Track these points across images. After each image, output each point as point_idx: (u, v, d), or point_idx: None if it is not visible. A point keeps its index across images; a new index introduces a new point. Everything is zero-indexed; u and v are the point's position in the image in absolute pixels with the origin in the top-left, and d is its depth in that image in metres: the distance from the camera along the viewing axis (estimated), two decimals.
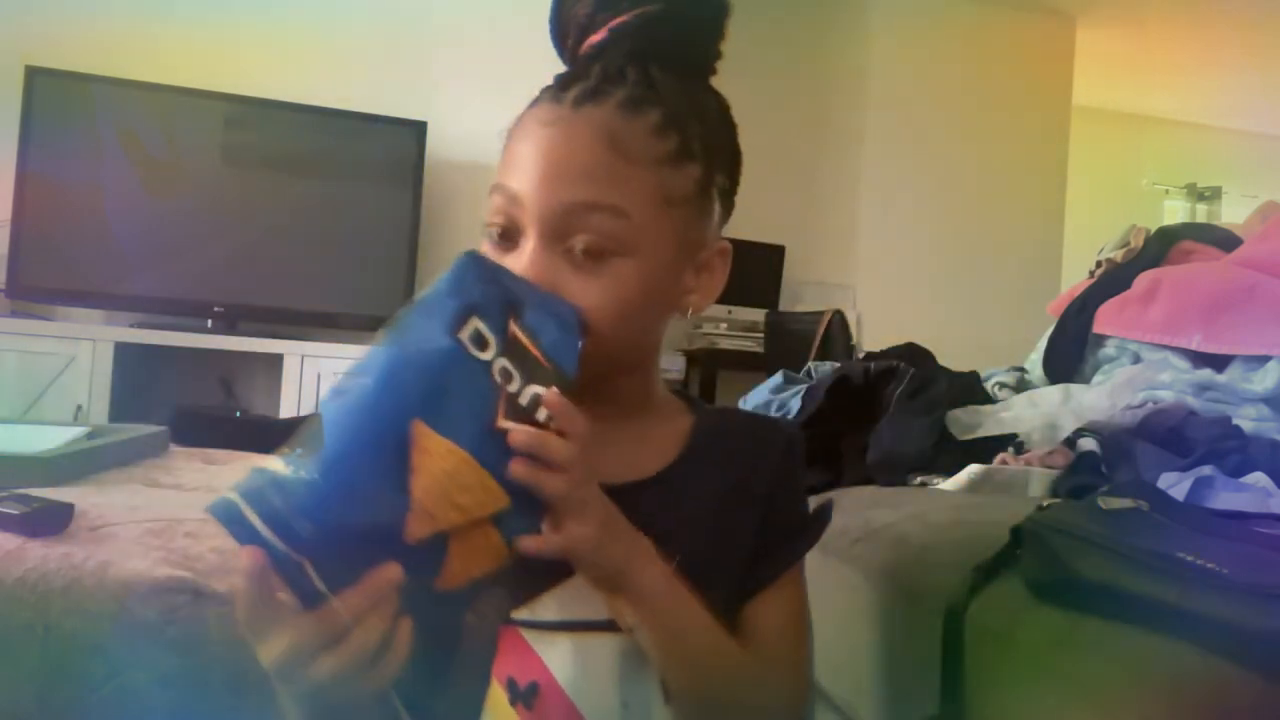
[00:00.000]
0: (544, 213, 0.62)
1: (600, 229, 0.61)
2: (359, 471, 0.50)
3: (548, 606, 0.62)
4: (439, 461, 0.51)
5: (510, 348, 0.55)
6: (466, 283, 0.56)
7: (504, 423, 0.54)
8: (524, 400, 0.55)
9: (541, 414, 0.55)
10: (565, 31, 0.67)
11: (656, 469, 0.67)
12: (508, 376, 0.55)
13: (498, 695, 0.62)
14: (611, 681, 0.62)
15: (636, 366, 0.70)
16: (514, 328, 0.56)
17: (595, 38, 0.65)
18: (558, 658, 0.61)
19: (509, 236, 0.64)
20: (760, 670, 0.66)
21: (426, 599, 0.53)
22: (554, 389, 0.56)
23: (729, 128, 0.71)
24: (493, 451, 0.53)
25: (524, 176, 0.63)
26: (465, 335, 0.54)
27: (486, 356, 0.55)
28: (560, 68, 0.69)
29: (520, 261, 0.62)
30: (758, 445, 0.71)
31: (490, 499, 0.53)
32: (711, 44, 0.70)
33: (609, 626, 0.62)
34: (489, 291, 0.56)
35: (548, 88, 0.66)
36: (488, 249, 0.65)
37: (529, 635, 0.62)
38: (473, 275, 0.57)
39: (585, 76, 0.64)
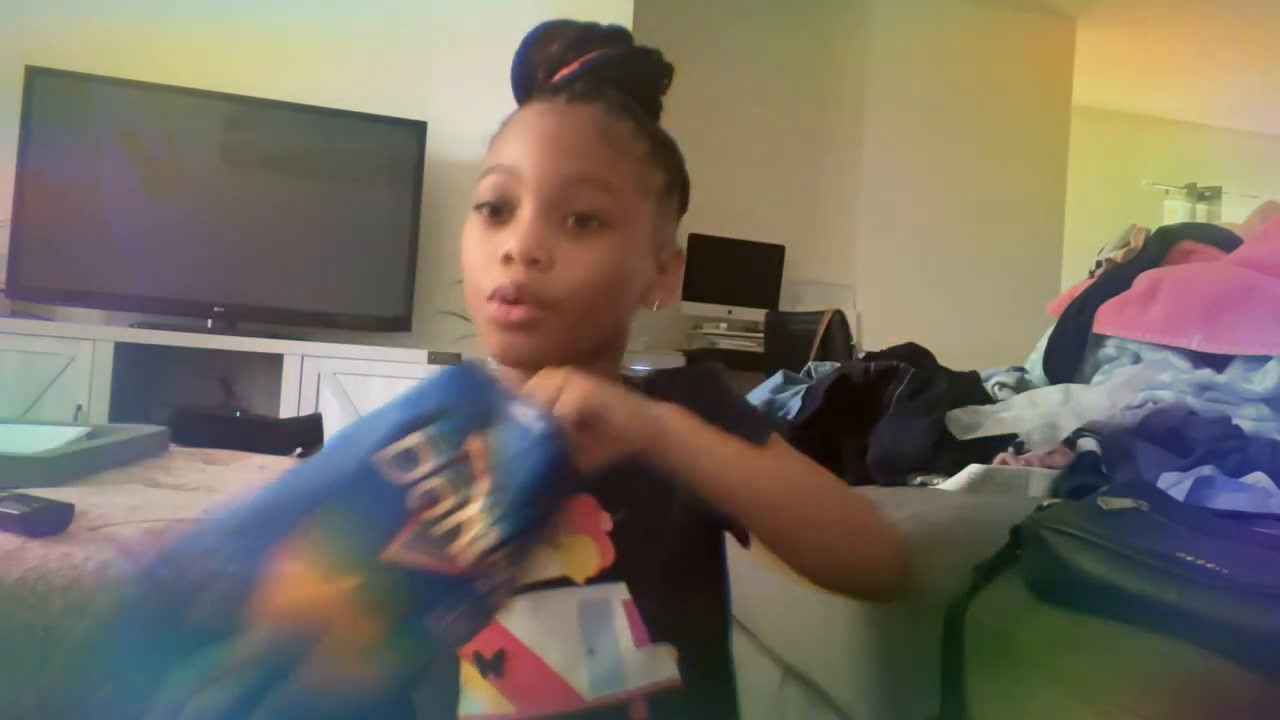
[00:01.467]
0: (543, 183, 0.68)
1: (593, 200, 0.68)
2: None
3: None
4: (289, 590, 0.50)
5: (459, 467, 0.53)
6: (429, 392, 0.56)
7: (392, 552, 0.51)
8: (443, 527, 0.52)
9: (458, 543, 0.52)
10: (533, 67, 0.75)
11: None
12: (430, 500, 0.53)
13: (470, 673, 0.64)
14: (574, 632, 0.65)
15: (606, 350, 0.75)
16: (474, 442, 0.54)
17: (568, 69, 0.73)
18: (518, 620, 0.64)
19: (501, 211, 0.69)
20: (831, 482, 0.70)
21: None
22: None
23: (681, 159, 0.78)
24: (376, 584, 0.51)
25: (523, 153, 0.69)
26: (391, 454, 0.53)
27: (405, 479, 0.53)
28: None
29: (515, 231, 0.67)
30: (690, 392, 0.73)
31: (364, 629, 0.50)
32: (658, 90, 0.78)
33: (564, 583, 0.66)
34: (456, 403, 0.55)
35: (528, 100, 0.74)
36: (477, 229, 0.71)
37: None
38: (447, 386, 0.56)
39: (568, 89, 0.72)
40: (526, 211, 0.68)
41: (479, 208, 0.70)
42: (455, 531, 0.52)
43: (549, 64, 0.74)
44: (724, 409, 0.72)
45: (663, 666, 0.66)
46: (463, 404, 0.55)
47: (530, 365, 0.66)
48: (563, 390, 0.60)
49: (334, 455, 0.54)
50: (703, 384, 0.77)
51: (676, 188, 0.77)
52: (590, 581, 0.66)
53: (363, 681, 0.52)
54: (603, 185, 0.69)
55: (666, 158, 0.75)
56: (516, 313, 0.67)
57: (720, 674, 0.73)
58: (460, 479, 0.53)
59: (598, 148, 0.69)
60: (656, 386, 0.74)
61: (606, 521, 0.68)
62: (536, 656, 0.64)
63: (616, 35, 0.75)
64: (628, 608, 0.66)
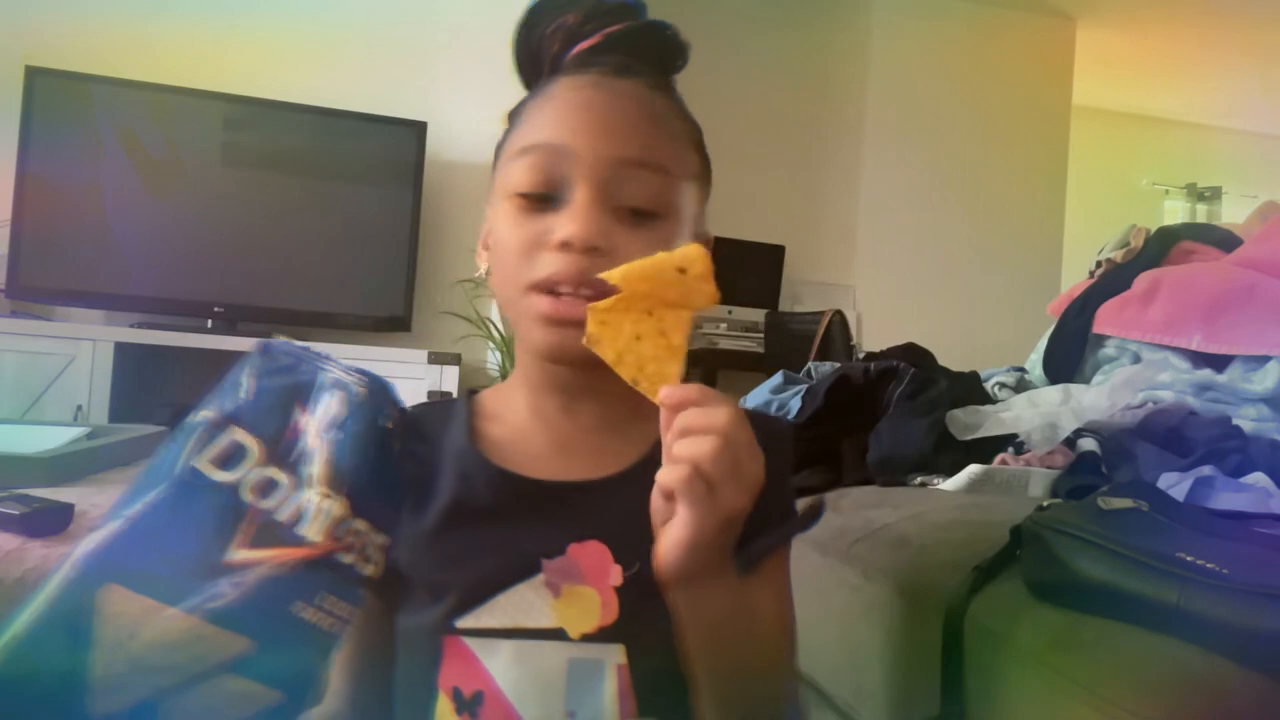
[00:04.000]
0: (599, 165, 0.61)
1: (650, 186, 0.62)
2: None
3: (493, 614, 0.61)
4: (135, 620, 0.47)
5: (288, 448, 0.51)
6: (228, 386, 0.53)
7: (238, 554, 0.49)
8: (284, 514, 0.50)
9: (307, 525, 0.50)
10: (545, 39, 0.68)
11: (631, 462, 0.65)
12: (269, 488, 0.50)
13: (444, 705, 0.60)
14: (557, 690, 0.59)
15: None
16: (299, 416, 0.52)
17: (587, 43, 0.66)
18: (501, 666, 0.59)
19: (548, 198, 0.62)
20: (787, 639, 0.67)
21: None
22: None
23: (702, 140, 0.73)
24: (227, 593, 0.48)
25: (570, 131, 0.62)
26: (214, 454, 0.50)
27: (232, 477, 0.50)
28: None
29: (572, 216, 0.61)
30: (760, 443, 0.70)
31: (213, 651, 0.48)
32: (677, 63, 0.72)
33: (556, 635, 0.60)
34: (268, 385, 0.52)
35: (549, 74, 0.67)
36: (512, 216, 0.63)
37: (474, 644, 0.60)
38: (252, 372, 0.53)
39: (598, 65, 0.65)
40: (582, 195, 0.61)
41: (521, 195, 0.63)
42: (303, 513, 0.50)
43: (566, 36, 0.67)
44: (781, 483, 0.65)
45: None
46: (275, 384, 0.53)
47: (584, 365, 0.59)
48: (727, 428, 0.52)
49: (140, 480, 0.50)
50: (777, 445, 0.63)
51: (708, 171, 0.72)
52: (586, 638, 0.60)
53: (248, 702, 0.49)
54: (660, 170, 0.63)
55: (699, 139, 0.70)
56: (578, 309, 0.58)
57: None
58: (294, 458, 0.51)
59: (649, 127, 0.64)
60: None
61: (617, 575, 0.61)
62: (511, 707, 0.59)
63: (631, 7, 0.69)
64: (621, 674, 0.60)
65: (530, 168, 0.63)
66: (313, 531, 0.50)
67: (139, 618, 0.47)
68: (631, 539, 0.58)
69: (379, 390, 0.54)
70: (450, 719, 0.60)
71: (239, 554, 0.49)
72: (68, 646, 0.46)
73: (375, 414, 0.53)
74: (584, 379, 0.64)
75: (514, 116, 0.68)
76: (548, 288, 0.61)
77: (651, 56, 0.68)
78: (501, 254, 0.65)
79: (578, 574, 0.61)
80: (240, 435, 0.51)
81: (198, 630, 0.47)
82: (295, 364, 0.54)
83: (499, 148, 0.68)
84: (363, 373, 0.54)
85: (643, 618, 0.60)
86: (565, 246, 0.60)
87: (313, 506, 0.50)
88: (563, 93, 0.65)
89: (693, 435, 0.52)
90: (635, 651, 0.60)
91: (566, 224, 0.60)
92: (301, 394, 0.53)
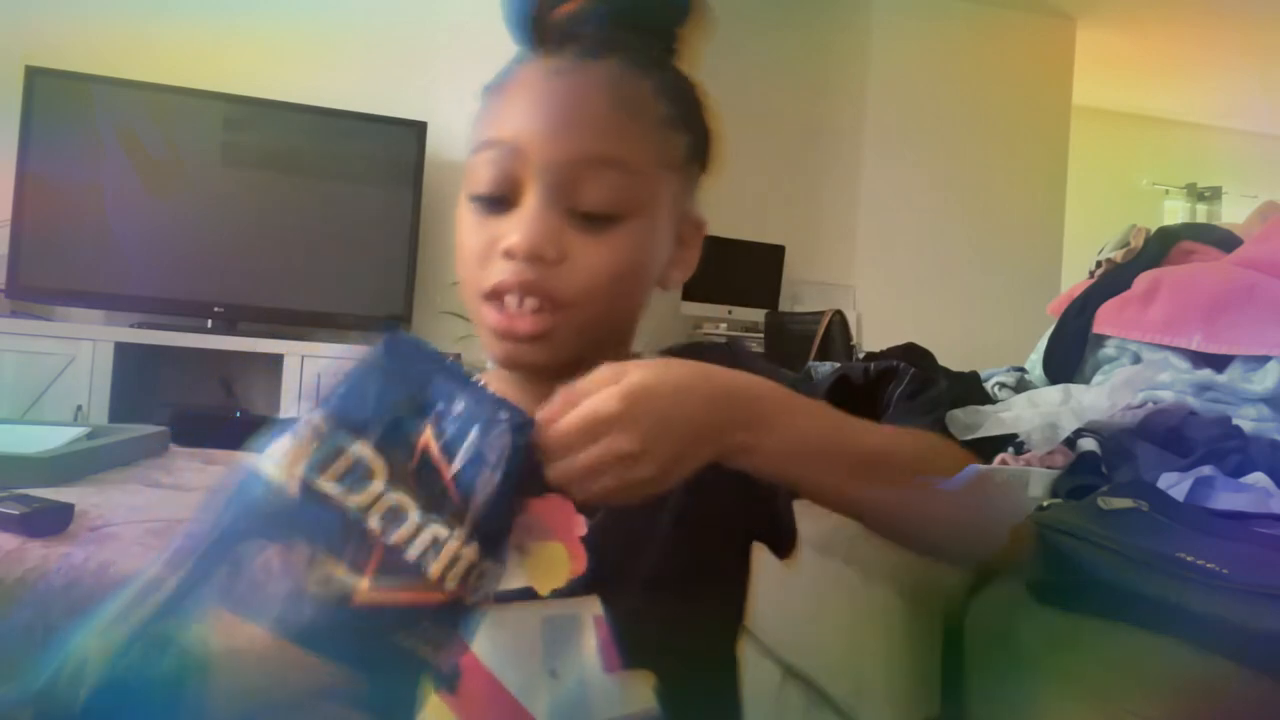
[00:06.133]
0: (551, 166, 0.57)
1: (610, 186, 0.58)
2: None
3: None
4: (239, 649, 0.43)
5: (414, 472, 0.45)
6: (359, 387, 0.47)
7: (360, 588, 0.43)
8: (412, 552, 0.44)
9: (436, 566, 0.44)
10: (529, 3, 0.63)
11: None
12: (394, 518, 0.44)
13: (423, 687, 0.58)
14: (535, 651, 0.57)
15: (618, 343, 0.66)
16: (428, 439, 0.46)
17: (570, 6, 0.61)
18: (476, 636, 0.56)
19: (501, 199, 0.59)
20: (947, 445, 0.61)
21: None
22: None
23: (703, 106, 0.67)
24: (349, 629, 0.43)
25: (526, 127, 0.58)
26: (337, 472, 0.45)
27: (357, 500, 0.44)
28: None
29: (519, 222, 0.57)
30: None
31: (313, 678, 0.44)
32: (675, 25, 0.66)
33: (527, 595, 0.58)
34: (396, 394, 0.47)
35: (534, 49, 0.62)
36: (470, 219, 0.61)
37: None
38: (379, 374, 0.47)
39: (575, 38, 0.61)
40: (531, 198, 0.57)
41: (475, 197, 0.60)
42: (431, 551, 0.45)
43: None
44: (762, 367, 0.62)
45: (636, 697, 0.58)
46: (404, 393, 0.47)
47: (538, 373, 0.59)
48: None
49: (255, 487, 0.45)
50: (725, 360, 0.60)
51: (701, 148, 0.66)
52: (557, 594, 0.58)
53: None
54: (622, 166, 0.58)
55: (689, 116, 0.64)
56: (524, 324, 0.57)
57: (715, 706, 0.64)
58: (420, 486, 0.45)
59: (616, 119, 0.59)
60: None
61: (581, 525, 0.59)
62: (491, 675, 0.56)
63: None
64: (599, 625, 0.58)
65: (484, 167, 0.59)
66: (443, 574, 0.45)
67: (243, 644, 0.44)
68: (641, 514, 0.55)
69: (524, 426, 0.47)
70: (429, 699, 0.57)
71: (364, 590, 0.43)
72: (171, 669, 0.43)
73: (515, 452, 0.46)
74: (546, 385, 0.59)
75: (485, 94, 0.63)
76: (495, 297, 0.58)
77: (643, 21, 0.63)
78: (460, 259, 0.62)
79: (542, 529, 0.58)
80: (362, 450, 0.45)
81: (300, 658, 0.44)
82: (426, 366, 0.48)
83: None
84: (500, 401, 0.48)
85: (612, 564, 0.59)
86: (509, 254, 0.57)
87: (444, 548, 0.45)
88: (524, 78, 0.61)
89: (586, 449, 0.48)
90: (612, 601, 0.58)
91: (511, 229, 0.57)
92: (432, 409, 0.47)
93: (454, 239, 0.63)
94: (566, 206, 0.58)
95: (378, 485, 0.45)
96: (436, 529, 0.45)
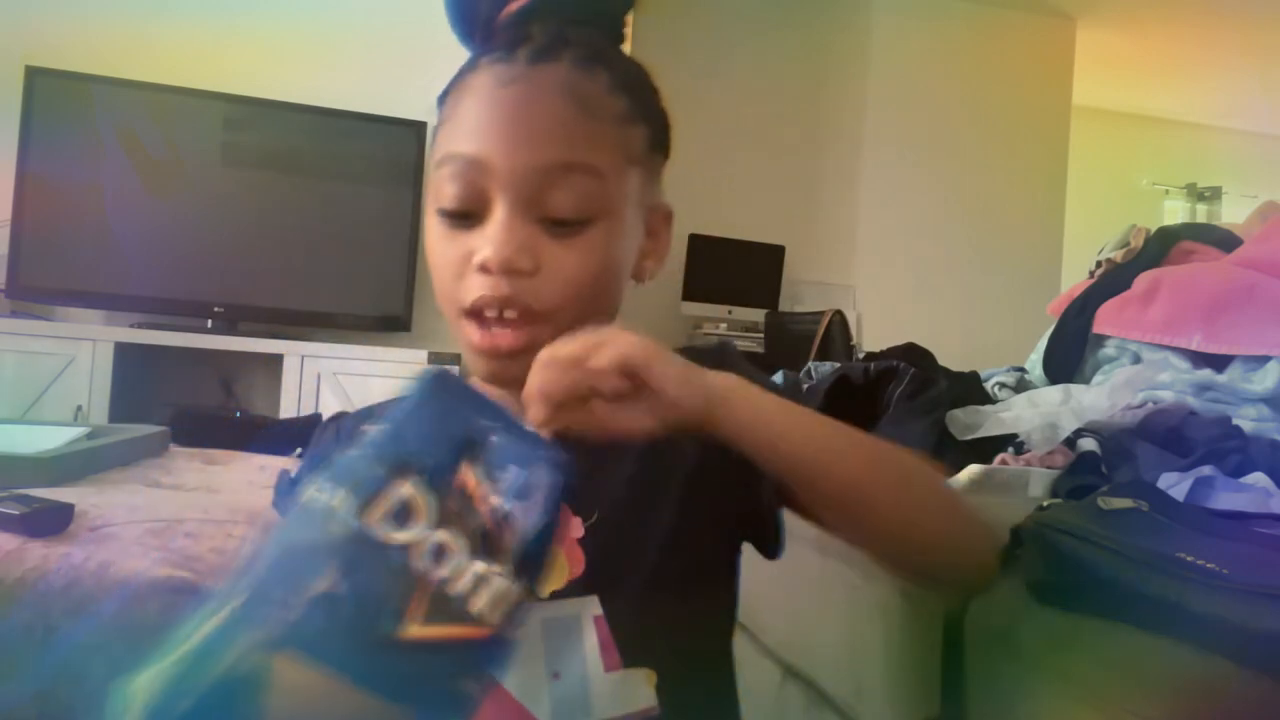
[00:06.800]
0: (517, 177, 0.57)
1: (578, 191, 0.58)
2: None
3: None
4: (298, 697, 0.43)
5: (458, 510, 0.46)
6: (406, 426, 0.48)
7: (411, 628, 0.43)
8: (459, 585, 0.45)
9: (483, 602, 0.45)
10: (473, 2, 0.63)
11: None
12: (439, 557, 0.45)
13: None
14: (536, 653, 0.57)
15: None
16: (466, 474, 0.47)
17: (517, 4, 0.61)
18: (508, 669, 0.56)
19: (468, 213, 0.59)
20: (907, 459, 0.60)
21: None
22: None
23: (657, 93, 0.67)
24: (398, 667, 0.44)
25: (488, 140, 0.58)
26: (383, 512, 0.45)
27: (406, 538, 0.45)
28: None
29: (491, 236, 0.57)
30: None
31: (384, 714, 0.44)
32: (623, 12, 0.66)
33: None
34: (438, 432, 0.47)
35: (486, 51, 0.61)
36: (439, 233, 0.61)
37: None
38: (422, 413, 0.48)
39: (526, 39, 0.60)
40: (500, 211, 0.57)
41: (442, 212, 0.60)
42: (477, 588, 0.45)
43: None
44: (753, 374, 0.63)
45: (637, 694, 0.58)
46: (445, 431, 0.47)
47: (522, 385, 0.58)
48: (603, 346, 0.51)
49: (304, 528, 0.45)
50: (723, 362, 0.62)
51: (659, 137, 0.65)
52: (557, 595, 0.58)
53: None
54: (587, 170, 0.58)
55: (646, 106, 0.64)
56: (506, 340, 0.58)
57: (714, 703, 0.65)
58: (466, 521, 0.46)
59: (575, 122, 0.58)
60: None
61: (577, 527, 0.59)
62: (494, 680, 0.56)
63: None
64: (599, 625, 0.58)
65: (448, 182, 0.59)
66: (487, 610, 0.45)
67: (293, 682, 0.43)
68: (587, 490, 0.55)
69: (563, 464, 0.48)
70: None
71: (412, 629, 0.44)
72: (222, 707, 0.43)
73: (555, 489, 0.47)
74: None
75: (441, 101, 0.63)
76: (475, 314, 0.59)
77: (584, 18, 0.63)
78: (434, 274, 0.62)
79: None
80: (409, 490, 0.46)
81: (364, 703, 0.43)
82: (466, 404, 0.49)
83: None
84: (539, 439, 0.49)
85: (610, 564, 0.59)
86: (484, 269, 0.57)
87: (490, 585, 0.45)
88: (482, 89, 0.59)
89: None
90: (611, 600, 0.59)
91: (483, 244, 0.57)
92: (471, 443, 0.48)
93: (426, 252, 0.63)
94: (536, 216, 0.58)
95: (422, 524, 0.45)
96: (481, 566, 0.45)
